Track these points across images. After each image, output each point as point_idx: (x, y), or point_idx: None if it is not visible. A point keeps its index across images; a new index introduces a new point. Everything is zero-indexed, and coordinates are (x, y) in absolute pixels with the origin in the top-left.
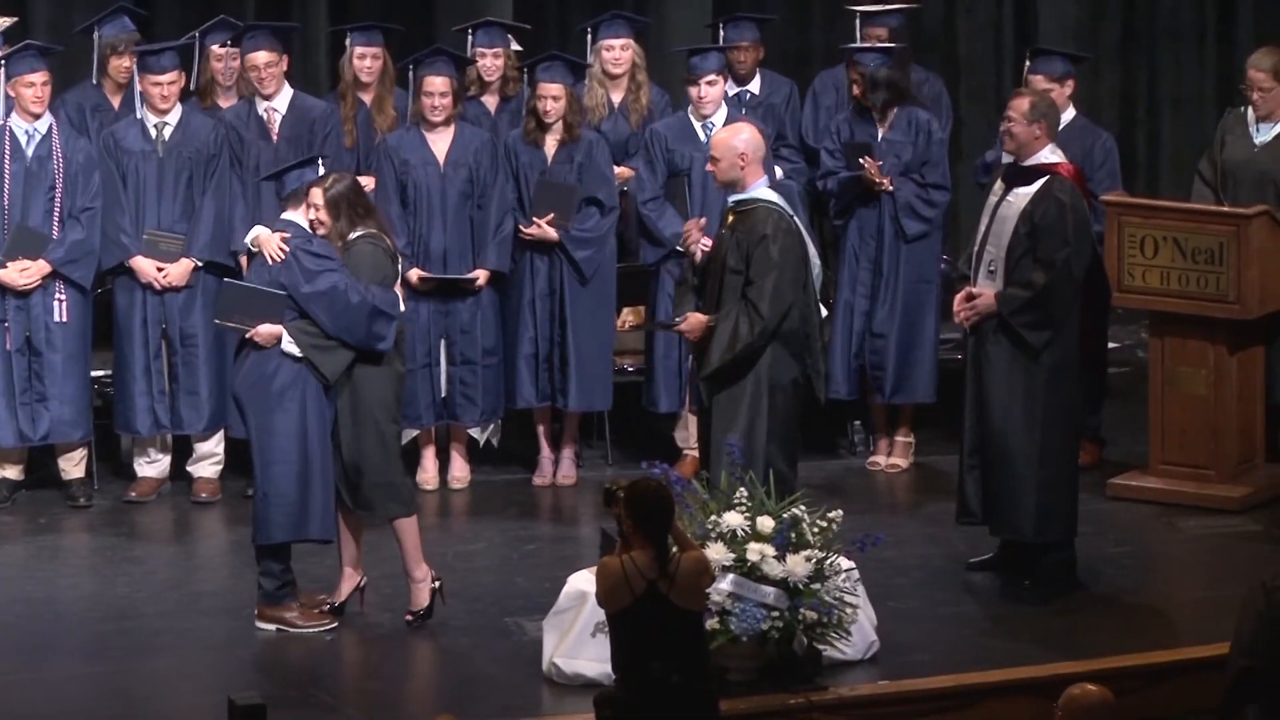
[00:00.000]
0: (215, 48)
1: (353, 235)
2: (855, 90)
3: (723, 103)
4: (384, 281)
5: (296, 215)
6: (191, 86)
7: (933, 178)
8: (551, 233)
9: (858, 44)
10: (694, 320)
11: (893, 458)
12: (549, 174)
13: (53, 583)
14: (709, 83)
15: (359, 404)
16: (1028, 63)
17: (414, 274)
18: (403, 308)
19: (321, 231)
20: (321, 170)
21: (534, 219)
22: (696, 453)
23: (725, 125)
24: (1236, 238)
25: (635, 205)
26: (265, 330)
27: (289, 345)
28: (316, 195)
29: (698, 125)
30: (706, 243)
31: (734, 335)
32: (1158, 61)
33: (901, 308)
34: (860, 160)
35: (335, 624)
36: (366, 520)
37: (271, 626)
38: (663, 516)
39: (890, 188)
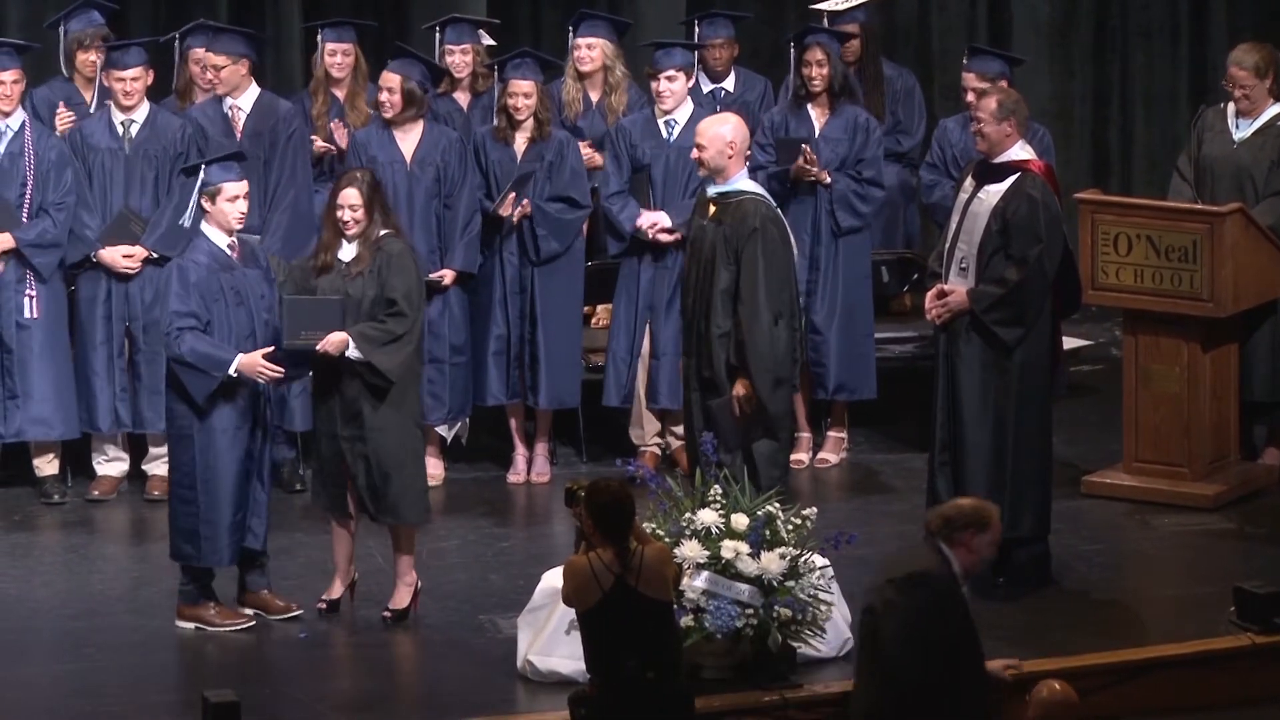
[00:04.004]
0: (195, 51)
1: (381, 233)
2: (807, 71)
3: (688, 100)
4: (419, 285)
5: (212, 229)
6: (174, 87)
7: (869, 174)
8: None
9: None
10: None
11: (823, 453)
12: (518, 171)
13: (26, 580)
14: (669, 78)
15: (401, 408)
16: (964, 60)
17: None
18: (234, 368)
19: (353, 230)
20: (233, 171)
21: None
22: (654, 449)
23: (690, 121)
24: (1210, 235)
25: (600, 199)
26: (336, 339)
27: (353, 351)
28: (354, 195)
29: (660, 122)
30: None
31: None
32: (1131, 58)
33: (840, 304)
34: (799, 150)
35: (254, 623)
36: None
37: (190, 625)
38: (622, 516)
39: (828, 180)
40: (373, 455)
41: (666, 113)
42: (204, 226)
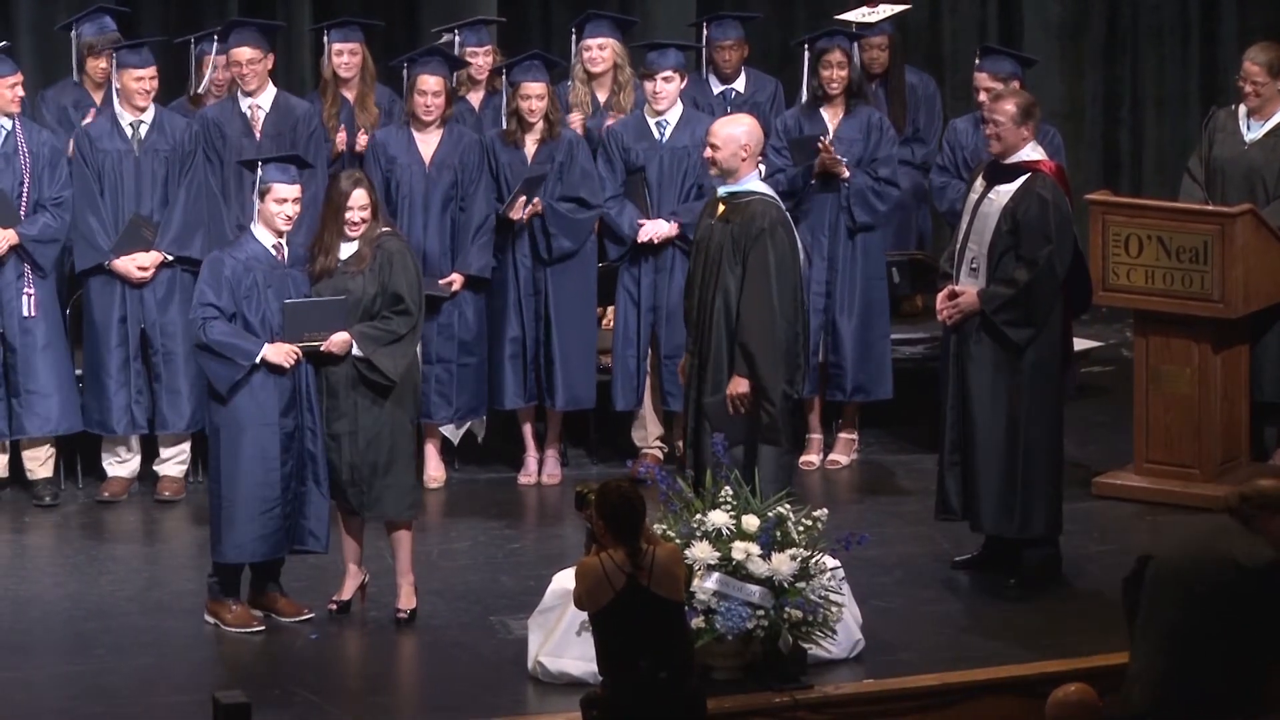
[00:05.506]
0: (234, 52)
1: (380, 230)
2: (826, 74)
3: (679, 101)
4: (420, 284)
5: (260, 228)
6: (192, 92)
7: (884, 174)
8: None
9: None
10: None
11: (834, 454)
12: (527, 173)
13: (36, 581)
14: (665, 79)
15: (401, 403)
16: (976, 60)
17: None
18: (260, 356)
19: (360, 231)
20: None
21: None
22: (656, 452)
23: (681, 122)
24: (1221, 236)
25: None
26: (339, 339)
27: (357, 350)
28: (363, 196)
29: (652, 123)
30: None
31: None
32: (1142, 60)
33: (858, 304)
34: (817, 144)
35: (263, 628)
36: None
37: (212, 620)
38: (633, 517)
39: (846, 173)
40: (370, 447)
41: (659, 114)
42: (254, 225)
